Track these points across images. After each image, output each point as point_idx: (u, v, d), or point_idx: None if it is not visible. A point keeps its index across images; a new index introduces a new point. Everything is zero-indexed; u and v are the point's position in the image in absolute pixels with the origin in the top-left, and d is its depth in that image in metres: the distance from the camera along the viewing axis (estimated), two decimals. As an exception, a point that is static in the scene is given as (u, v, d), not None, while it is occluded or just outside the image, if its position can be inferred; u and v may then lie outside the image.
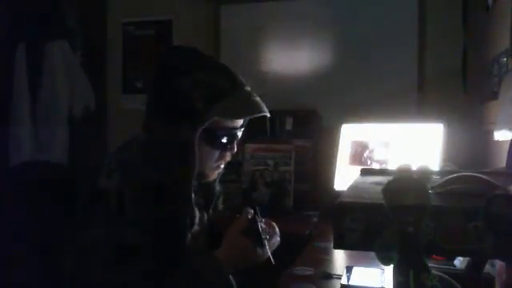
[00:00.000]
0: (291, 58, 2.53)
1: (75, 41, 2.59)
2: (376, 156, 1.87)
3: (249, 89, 1.08)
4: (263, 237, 1.05)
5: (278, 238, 1.15)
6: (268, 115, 1.09)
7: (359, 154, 1.92)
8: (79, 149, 2.46)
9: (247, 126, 1.16)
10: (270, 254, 1.07)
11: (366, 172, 0.96)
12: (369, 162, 1.88)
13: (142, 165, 1.03)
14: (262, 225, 1.08)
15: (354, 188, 0.82)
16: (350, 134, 1.99)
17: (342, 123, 2.03)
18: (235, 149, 1.12)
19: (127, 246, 0.95)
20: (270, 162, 2.31)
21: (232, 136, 1.10)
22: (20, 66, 2.41)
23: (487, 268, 0.92)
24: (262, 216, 1.13)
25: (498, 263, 0.90)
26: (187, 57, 1.10)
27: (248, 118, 1.15)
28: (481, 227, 0.60)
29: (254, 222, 1.06)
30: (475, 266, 0.76)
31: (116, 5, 2.87)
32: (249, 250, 1.05)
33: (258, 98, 1.08)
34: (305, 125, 2.40)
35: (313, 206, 2.22)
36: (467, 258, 0.94)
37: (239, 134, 1.12)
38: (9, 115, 2.38)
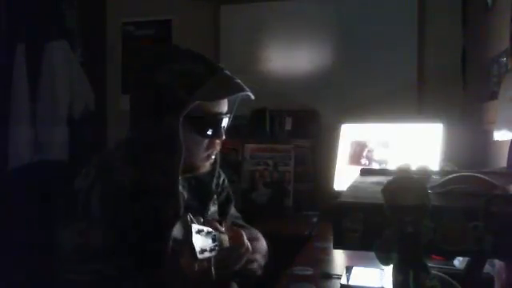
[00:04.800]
0: (291, 58, 2.53)
1: (75, 41, 2.59)
2: (375, 156, 1.87)
3: (228, 73, 1.07)
4: (197, 250, 0.91)
5: (244, 251, 1.02)
6: (252, 96, 1.08)
7: (359, 154, 1.92)
8: (79, 149, 2.46)
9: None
10: (212, 267, 0.93)
11: (365, 172, 0.96)
12: (368, 162, 1.88)
13: (119, 163, 1.03)
14: (203, 234, 0.92)
15: (353, 188, 0.82)
16: (349, 133, 1.99)
17: (341, 123, 2.03)
18: (223, 136, 1.10)
19: (89, 246, 0.95)
20: (270, 162, 2.31)
21: (218, 121, 1.08)
22: (20, 65, 2.40)
23: (487, 268, 0.92)
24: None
25: (498, 263, 0.90)
26: (161, 52, 1.10)
27: (236, 105, 1.14)
28: (480, 227, 0.60)
29: (187, 232, 0.91)
30: (475, 266, 0.76)
31: (116, 5, 2.86)
32: (178, 265, 0.91)
33: (238, 80, 1.06)
34: (304, 125, 2.40)
35: (313, 206, 2.23)
36: (467, 258, 0.94)
37: (225, 119, 1.10)
38: (9, 115, 2.38)
